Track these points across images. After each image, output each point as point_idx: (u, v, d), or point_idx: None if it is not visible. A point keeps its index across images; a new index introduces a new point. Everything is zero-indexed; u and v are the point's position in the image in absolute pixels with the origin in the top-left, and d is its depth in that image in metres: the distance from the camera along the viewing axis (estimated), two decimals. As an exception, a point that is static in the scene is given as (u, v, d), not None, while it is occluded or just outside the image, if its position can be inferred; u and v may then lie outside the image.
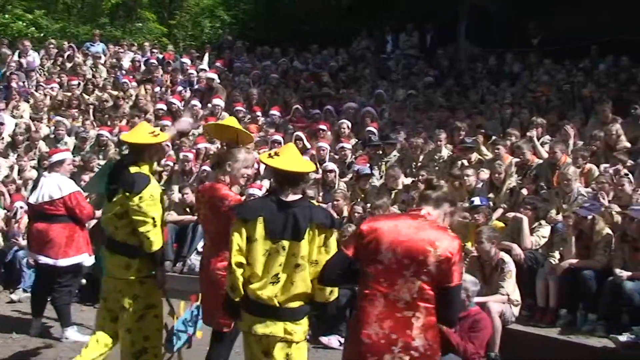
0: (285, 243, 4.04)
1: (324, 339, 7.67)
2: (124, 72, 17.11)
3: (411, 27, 18.03)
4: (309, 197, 4.44)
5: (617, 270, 6.95)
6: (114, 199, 5.35)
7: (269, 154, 4.31)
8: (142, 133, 5.44)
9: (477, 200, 8.30)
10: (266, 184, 9.98)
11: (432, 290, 3.45)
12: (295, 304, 4.05)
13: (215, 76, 16.00)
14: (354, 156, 11.59)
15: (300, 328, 4.08)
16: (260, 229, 4.06)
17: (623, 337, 6.42)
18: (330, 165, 10.80)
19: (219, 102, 14.09)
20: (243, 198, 5.68)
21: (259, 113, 14.04)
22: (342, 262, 3.72)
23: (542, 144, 10.41)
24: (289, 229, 4.04)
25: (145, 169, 5.36)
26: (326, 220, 4.07)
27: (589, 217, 7.34)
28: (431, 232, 3.52)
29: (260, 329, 4.04)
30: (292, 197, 4.15)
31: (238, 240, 4.07)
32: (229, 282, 4.11)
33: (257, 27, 21.82)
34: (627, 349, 6.33)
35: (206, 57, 17.80)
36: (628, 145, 9.69)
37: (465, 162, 10.25)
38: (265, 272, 4.06)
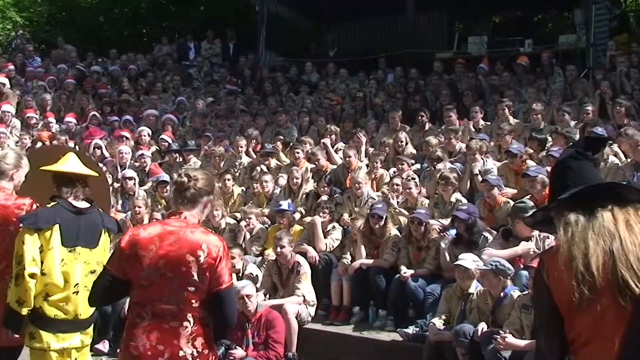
0: (80, 250, 4.09)
1: (98, 345, 7.48)
2: None
3: (212, 35, 18.05)
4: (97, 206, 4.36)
5: (403, 268, 7.41)
6: None
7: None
8: None
9: (284, 205, 8.47)
10: None
11: (202, 297, 3.38)
12: (90, 312, 4.16)
13: (5, 80, 14.99)
14: (154, 164, 11.42)
15: (90, 333, 4.25)
16: (56, 237, 4.01)
17: (409, 330, 6.87)
18: (129, 173, 10.55)
19: (9, 108, 13.29)
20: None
21: (52, 119, 13.38)
22: (106, 282, 3.50)
23: (337, 151, 10.89)
24: (83, 235, 4.10)
25: None
26: (114, 226, 4.26)
27: (383, 216, 7.74)
28: (192, 240, 3.39)
29: (60, 343, 4.07)
30: (82, 204, 4.15)
31: (31, 249, 3.94)
32: (15, 294, 3.93)
33: (53, 31, 20.76)
34: (413, 341, 6.79)
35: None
36: (414, 151, 10.39)
37: (265, 168, 10.46)
38: (66, 282, 4.05)
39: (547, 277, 2.43)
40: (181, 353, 3.33)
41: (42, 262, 4.04)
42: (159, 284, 3.36)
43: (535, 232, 6.73)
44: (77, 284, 4.11)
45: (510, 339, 5.65)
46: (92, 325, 4.29)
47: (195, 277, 3.35)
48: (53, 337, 4.10)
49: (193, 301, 3.37)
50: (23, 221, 4.13)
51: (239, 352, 6.51)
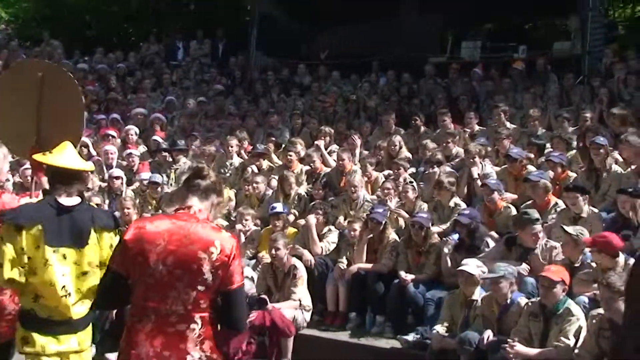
0: (66, 251, 3.75)
1: (111, 356, 7.22)
2: None
3: (202, 35, 17.81)
4: (91, 203, 4.07)
5: (402, 273, 7.22)
6: None
7: (44, 153, 3.98)
8: None
9: (278, 207, 8.27)
10: None
11: (211, 297, 3.16)
12: (85, 312, 3.85)
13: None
14: (141, 163, 11.17)
15: (89, 334, 3.93)
16: (39, 237, 3.69)
17: (409, 337, 6.68)
18: (117, 172, 10.28)
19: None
20: None
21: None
22: (111, 283, 3.23)
23: (330, 153, 10.68)
24: (69, 235, 3.76)
25: None
26: (109, 221, 3.90)
27: (382, 221, 7.55)
28: (204, 236, 3.16)
29: (55, 346, 3.79)
30: (71, 202, 3.85)
31: (10, 251, 3.64)
32: None
33: (39, 27, 20.40)
34: (414, 348, 6.59)
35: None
36: (409, 155, 10.21)
37: (256, 169, 10.23)
38: (51, 286, 3.75)
39: None
40: (189, 358, 3.08)
41: (28, 260, 3.76)
42: (166, 283, 3.10)
43: (541, 242, 6.55)
44: (65, 286, 3.77)
45: (519, 347, 5.47)
46: (91, 326, 4.00)
47: (207, 275, 3.11)
48: (48, 339, 3.81)
49: (202, 301, 3.13)
50: (3, 217, 3.84)
51: None
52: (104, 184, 10.30)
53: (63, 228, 3.79)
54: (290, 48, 16.54)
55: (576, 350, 5.30)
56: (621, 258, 5.99)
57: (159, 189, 9.89)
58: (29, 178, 9.15)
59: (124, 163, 11.12)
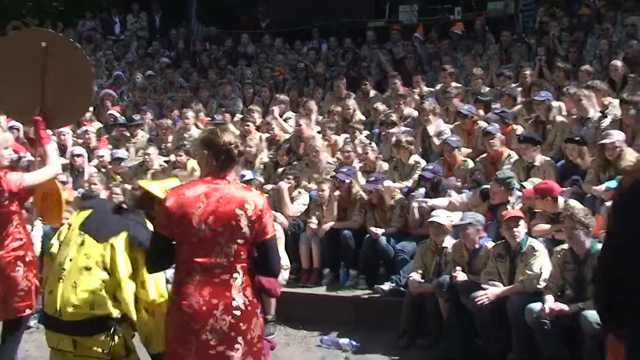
0: (86, 239, 3.86)
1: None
2: None
3: (137, 8, 17.69)
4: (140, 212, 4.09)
5: (373, 229, 7.67)
6: None
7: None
8: None
9: (248, 174, 8.53)
10: None
11: (249, 248, 3.52)
12: (81, 316, 3.82)
13: None
14: (99, 140, 11.26)
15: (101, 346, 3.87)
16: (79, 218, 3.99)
17: (386, 286, 7.15)
18: (78, 149, 10.34)
19: None
20: None
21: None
22: (161, 245, 3.55)
23: (287, 120, 11.03)
24: (98, 226, 3.88)
25: None
26: (143, 239, 3.82)
27: (347, 181, 7.98)
28: (237, 195, 3.51)
29: (51, 341, 3.92)
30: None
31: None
32: None
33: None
34: (390, 296, 7.08)
35: None
36: (363, 117, 10.65)
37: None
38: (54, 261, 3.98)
39: None
40: (234, 303, 3.45)
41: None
42: (210, 240, 3.45)
43: (512, 198, 7.06)
44: (64, 269, 3.74)
45: (491, 290, 5.98)
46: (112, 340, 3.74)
47: (245, 229, 3.47)
48: (47, 332, 3.85)
49: (242, 253, 3.49)
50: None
51: None
52: (66, 161, 10.34)
53: (103, 221, 3.90)
54: (230, 18, 16.67)
55: (543, 283, 5.87)
56: (561, 200, 6.60)
57: (122, 164, 10.03)
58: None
59: (80, 141, 11.17)
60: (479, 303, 5.91)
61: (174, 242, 3.54)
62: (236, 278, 3.49)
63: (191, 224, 3.46)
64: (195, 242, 3.47)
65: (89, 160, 10.63)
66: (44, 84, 5.06)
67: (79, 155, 10.21)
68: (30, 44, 5.16)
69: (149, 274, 3.75)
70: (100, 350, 3.72)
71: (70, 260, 3.77)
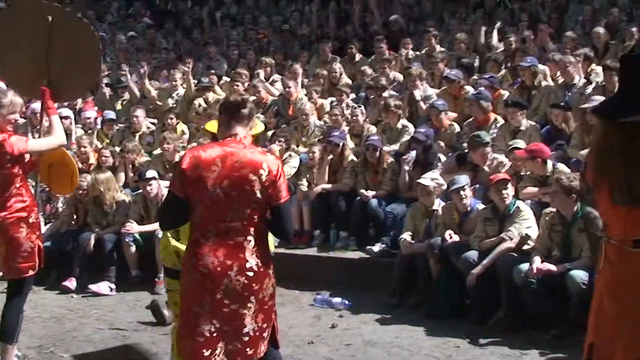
0: None
1: (93, 287, 7.60)
2: None
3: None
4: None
5: (363, 191, 7.83)
6: None
7: None
8: None
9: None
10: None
11: (262, 212, 3.61)
12: None
13: None
14: (85, 102, 11.23)
15: None
16: None
17: (376, 248, 7.35)
18: (65, 111, 10.30)
19: None
20: None
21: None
22: (174, 204, 3.63)
23: (273, 83, 11.08)
24: None
25: None
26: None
27: (341, 143, 8.10)
28: (253, 160, 3.57)
29: None
30: None
31: None
32: None
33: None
34: (380, 257, 7.28)
35: None
36: (349, 81, 10.73)
37: (203, 103, 10.51)
38: None
39: None
40: (248, 265, 3.56)
41: None
42: (224, 203, 3.53)
43: (489, 160, 7.25)
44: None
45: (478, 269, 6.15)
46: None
47: (258, 194, 3.56)
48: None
49: (255, 217, 3.58)
50: None
51: None
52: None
53: None
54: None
55: (532, 243, 6.10)
56: (549, 164, 6.81)
57: (114, 125, 10.05)
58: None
59: (65, 103, 11.11)
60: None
61: (189, 201, 3.60)
62: (250, 240, 3.58)
63: (206, 186, 3.52)
64: (210, 204, 3.54)
65: (76, 122, 10.64)
66: (49, 58, 5.12)
67: (66, 117, 10.13)
68: (36, 18, 5.19)
69: (161, 230, 3.94)
70: None
71: None
